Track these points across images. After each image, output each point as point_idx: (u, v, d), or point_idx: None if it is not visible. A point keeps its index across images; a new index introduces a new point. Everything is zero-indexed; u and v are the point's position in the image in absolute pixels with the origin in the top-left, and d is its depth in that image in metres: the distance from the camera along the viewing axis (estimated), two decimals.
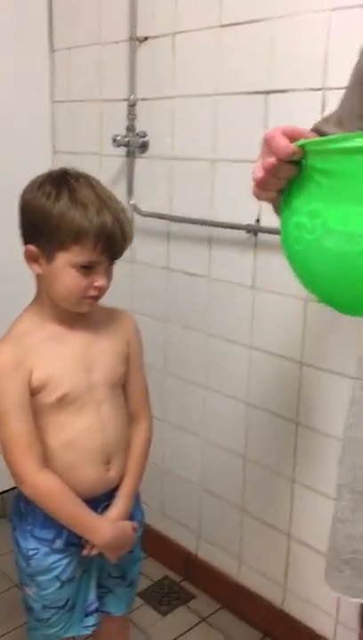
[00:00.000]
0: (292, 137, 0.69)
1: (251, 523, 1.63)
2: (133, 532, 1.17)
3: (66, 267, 1.03)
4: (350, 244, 0.64)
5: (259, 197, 0.74)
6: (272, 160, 0.69)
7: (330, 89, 1.25)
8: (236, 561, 1.69)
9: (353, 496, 0.99)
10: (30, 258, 1.06)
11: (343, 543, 1.00)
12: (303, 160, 0.68)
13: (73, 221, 1.00)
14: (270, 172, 0.70)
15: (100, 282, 1.06)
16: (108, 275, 1.08)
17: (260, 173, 0.71)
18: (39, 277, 1.09)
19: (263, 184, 0.72)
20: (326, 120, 0.97)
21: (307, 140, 0.68)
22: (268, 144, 0.70)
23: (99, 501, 1.14)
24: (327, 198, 0.66)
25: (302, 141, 0.68)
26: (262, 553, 1.62)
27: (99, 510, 1.14)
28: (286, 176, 0.70)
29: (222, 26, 1.44)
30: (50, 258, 1.04)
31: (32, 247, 1.05)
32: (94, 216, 1.01)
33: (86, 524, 1.10)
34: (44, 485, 1.06)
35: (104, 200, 1.03)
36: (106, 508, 1.15)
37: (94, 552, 1.13)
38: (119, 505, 1.16)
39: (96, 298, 1.08)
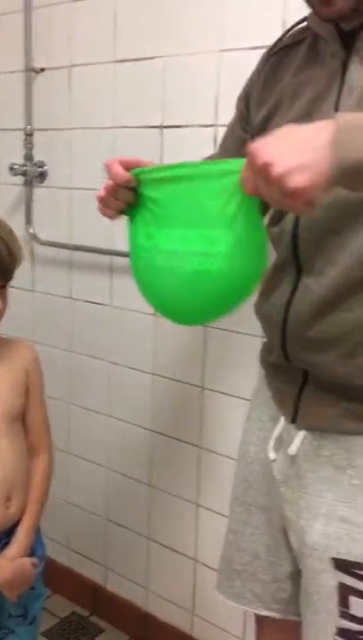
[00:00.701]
0: (128, 166, 0.80)
1: (157, 550, 1.62)
2: (33, 568, 1.14)
3: None
4: (175, 260, 0.74)
5: (103, 214, 0.85)
6: (111, 183, 0.81)
7: (221, 125, 1.31)
8: (143, 590, 1.68)
9: (244, 508, 1.03)
10: None
11: (235, 555, 1.05)
12: (139, 188, 0.79)
13: None
14: (110, 193, 0.82)
15: None
16: (3, 299, 1.08)
17: (102, 193, 0.83)
18: None
19: (105, 202, 0.84)
20: (220, 147, 1.03)
21: (138, 170, 0.79)
22: (107, 170, 0.81)
23: None
24: (157, 223, 0.77)
25: (134, 170, 0.79)
26: (169, 580, 1.62)
27: None
28: (124, 199, 0.82)
29: (118, 61, 1.48)
30: None
31: None
32: None
33: None
34: None
35: None
36: (5, 545, 1.12)
37: None
38: (19, 541, 1.13)
39: None
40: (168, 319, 0.84)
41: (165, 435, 1.55)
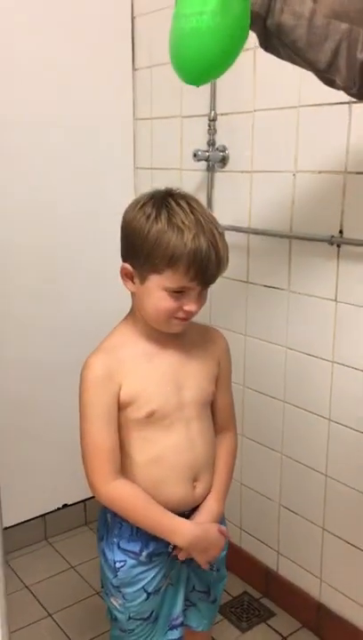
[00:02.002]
0: None
1: (333, 541, 1.58)
2: (220, 534, 1.15)
3: (157, 289, 1.03)
4: (185, 22, 0.88)
5: None
6: None
7: None
8: (317, 580, 1.65)
9: None
10: (125, 275, 1.08)
11: None
12: None
13: (168, 245, 0.99)
14: None
15: (189, 306, 1.05)
16: (201, 299, 1.08)
17: None
18: (133, 294, 1.11)
19: None
20: None
21: None
22: None
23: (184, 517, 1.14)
24: None
25: None
26: (344, 573, 1.58)
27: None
28: None
29: None
30: (143, 278, 1.05)
31: (128, 265, 1.07)
32: (189, 241, 0.99)
33: (165, 525, 1.09)
34: (116, 492, 1.08)
35: (202, 225, 1.01)
36: None
37: (182, 556, 1.13)
38: (207, 506, 1.15)
39: (185, 319, 1.08)
40: (182, 79, 0.95)
41: (344, 425, 1.50)
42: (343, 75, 0.96)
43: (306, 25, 0.93)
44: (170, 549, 1.13)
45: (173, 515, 1.10)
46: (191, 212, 1.02)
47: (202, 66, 0.92)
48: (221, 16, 0.86)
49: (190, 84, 0.96)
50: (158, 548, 1.13)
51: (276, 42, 0.97)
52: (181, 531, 1.10)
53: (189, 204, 1.03)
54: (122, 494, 1.08)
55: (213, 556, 1.15)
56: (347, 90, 0.99)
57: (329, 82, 0.99)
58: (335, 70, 0.96)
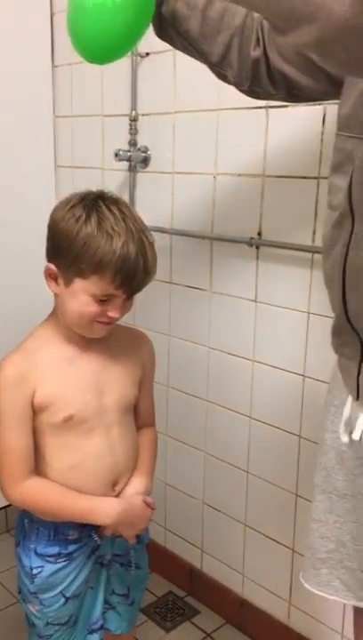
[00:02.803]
0: None
1: (254, 536, 1.62)
2: (145, 506, 1.13)
3: (82, 293, 1.01)
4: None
5: None
6: None
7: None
8: (240, 576, 1.68)
9: (324, 497, 1.00)
10: (49, 276, 1.06)
11: (319, 542, 1.02)
12: None
13: (96, 251, 0.97)
14: None
15: (113, 313, 1.04)
16: (126, 306, 1.06)
17: None
18: (56, 296, 1.08)
19: None
20: None
21: None
22: None
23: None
24: None
25: None
26: (266, 568, 1.61)
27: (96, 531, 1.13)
28: None
29: None
30: (68, 281, 1.02)
31: (52, 266, 1.04)
32: (118, 248, 0.97)
33: (85, 508, 1.06)
34: (26, 490, 1.05)
35: (133, 232, 0.99)
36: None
37: (108, 532, 1.11)
38: (132, 483, 1.14)
39: (108, 324, 1.06)
40: (85, 58, 0.94)
41: (264, 422, 1.53)
42: (235, 70, 0.99)
43: (200, 16, 0.95)
44: (95, 537, 1.11)
45: (90, 496, 1.07)
46: (122, 219, 1.00)
47: (108, 43, 0.90)
48: None
49: (95, 62, 0.95)
50: (78, 549, 1.11)
51: (171, 30, 0.98)
52: (103, 509, 1.07)
53: (120, 209, 1.01)
54: (33, 491, 1.06)
55: (140, 529, 1.14)
56: (238, 85, 1.02)
57: (222, 76, 1.02)
58: (227, 65, 0.99)
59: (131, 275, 1.00)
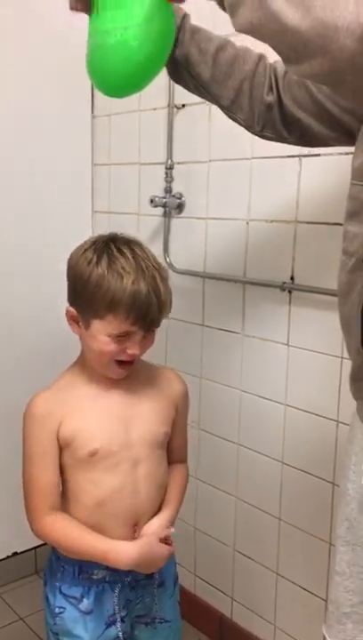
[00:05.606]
0: None
1: (287, 586, 1.58)
2: (161, 545, 1.11)
3: (100, 334, 1.04)
4: (106, 37, 0.90)
5: (71, 8, 0.95)
6: None
7: None
8: (271, 626, 1.63)
9: (347, 548, 0.98)
10: (71, 319, 1.09)
11: (343, 596, 0.99)
12: None
13: (107, 290, 1.00)
14: None
15: (132, 350, 1.06)
16: (145, 342, 1.08)
17: None
18: (80, 338, 1.11)
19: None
20: None
21: None
22: None
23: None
24: (97, 9, 0.91)
25: None
26: (297, 618, 1.57)
27: (118, 585, 1.12)
28: None
29: None
30: (86, 323, 1.06)
31: (72, 309, 1.08)
32: (129, 286, 1.00)
33: (101, 551, 1.05)
34: (49, 525, 1.06)
35: (143, 269, 1.02)
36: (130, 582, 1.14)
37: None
38: (155, 518, 1.13)
39: (129, 363, 1.08)
40: (103, 92, 0.98)
41: (296, 468, 1.52)
42: (246, 113, 1.03)
43: (211, 61, 0.99)
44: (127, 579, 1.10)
45: (107, 539, 1.07)
46: (133, 258, 1.03)
47: (128, 78, 0.94)
48: (147, 28, 0.89)
49: (114, 96, 0.99)
50: (100, 593, 1.10)
51: (184, 72, 1.02)
52: (118, 555, 1.05)
53: (131, 248, 1.04)
54: (55, 527, 1.07)
55: (158, 567, 1.13)
56: (249, 128, 1.06)
57: (233, 118, 1.05)
58: (238, 108, 1.03)
59: (144, 310, 1.02)
